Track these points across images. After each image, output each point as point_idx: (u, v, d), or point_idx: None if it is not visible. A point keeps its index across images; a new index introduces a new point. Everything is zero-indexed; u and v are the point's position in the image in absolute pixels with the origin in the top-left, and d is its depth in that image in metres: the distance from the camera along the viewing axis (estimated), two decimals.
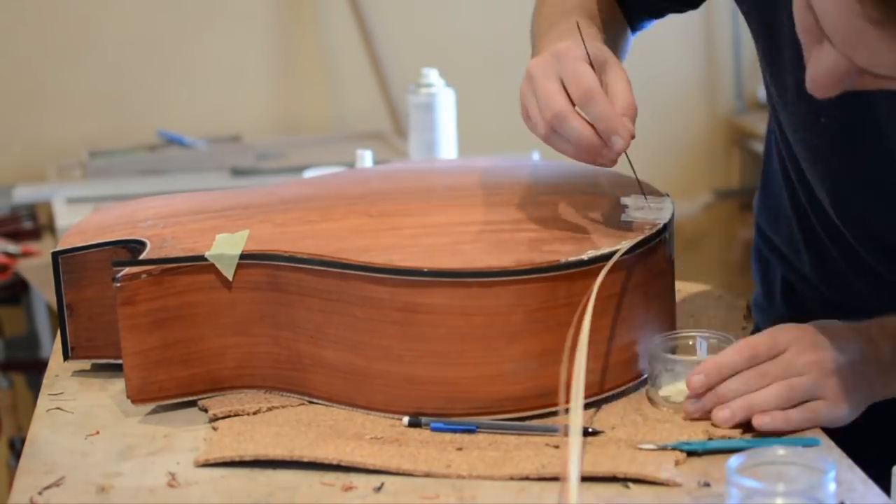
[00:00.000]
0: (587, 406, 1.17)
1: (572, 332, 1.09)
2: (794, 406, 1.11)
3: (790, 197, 1.37)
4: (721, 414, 1.11)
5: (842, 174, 1.25)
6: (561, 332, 1.14)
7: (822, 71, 1.00)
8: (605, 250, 1.15)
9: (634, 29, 1.46)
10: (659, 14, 1.46)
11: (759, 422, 1.10)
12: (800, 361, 1.12)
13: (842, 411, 1.12)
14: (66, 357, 1.29)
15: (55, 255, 1.27)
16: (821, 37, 0.99)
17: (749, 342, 1.13)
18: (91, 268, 1.27)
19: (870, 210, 1.25)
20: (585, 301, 1.12)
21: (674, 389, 1.17)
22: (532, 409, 1.15)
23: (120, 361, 1.20)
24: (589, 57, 1.17)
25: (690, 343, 1.20)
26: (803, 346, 1.13)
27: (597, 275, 1.14)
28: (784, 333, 1.14)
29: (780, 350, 1.13)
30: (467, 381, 1.14)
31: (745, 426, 1.12)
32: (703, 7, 1.43)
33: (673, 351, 1.18)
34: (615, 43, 1.38)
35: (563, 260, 1.14)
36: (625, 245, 1.16)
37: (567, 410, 1.03)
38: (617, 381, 1.19)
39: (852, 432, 1.15)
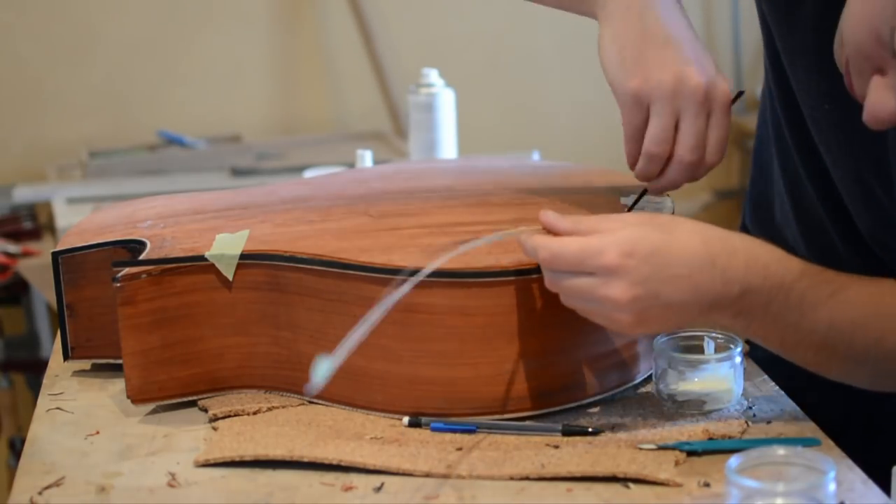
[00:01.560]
0: (587, 406, 1.17)
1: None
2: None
3: (782, 167, 1.32)
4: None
5: (839, 160, 1.21)
6: (561, 332, 1.14)
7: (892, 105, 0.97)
8: None
9: None
10: None
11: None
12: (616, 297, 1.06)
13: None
14: (66, 357, 1.29)
15: (55, 255, 1.27)
16: (887, 66, 0.96)
17: (585, 248, 1.06)
18: (91, 268, 1.27)
19: (857, 201, 1.20)
20: None
21: (679, 387, 1.17)
22: (532, 409, 1.15)
23: (120, 361, 1.20)
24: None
25: (695, 342, 1.20)
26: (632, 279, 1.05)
27: None
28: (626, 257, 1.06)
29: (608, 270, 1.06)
30: (467, 381, 1.14)
31: (746, 426, 1.12)
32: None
33: (678, 349, 1.18)
34: None
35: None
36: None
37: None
38: (617, 381, 1.19)
39: (853, 432, 1.15)
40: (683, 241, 1.07)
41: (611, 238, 1.07)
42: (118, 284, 1.17)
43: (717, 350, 1.19)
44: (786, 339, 1.08)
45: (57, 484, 1.08)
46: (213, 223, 1.28)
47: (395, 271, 1.13)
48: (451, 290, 1.12)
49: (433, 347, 1.13)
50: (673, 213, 1.27)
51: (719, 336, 1.19)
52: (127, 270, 1.18)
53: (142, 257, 1.21)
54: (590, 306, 1.08)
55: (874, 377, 1.11)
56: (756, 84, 3.25)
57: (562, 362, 1.15)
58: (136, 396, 1.19)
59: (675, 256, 1.06)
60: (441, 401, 1.14)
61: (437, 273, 1.12)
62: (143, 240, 1.25)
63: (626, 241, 1.06)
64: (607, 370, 1.18)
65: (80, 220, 1.37)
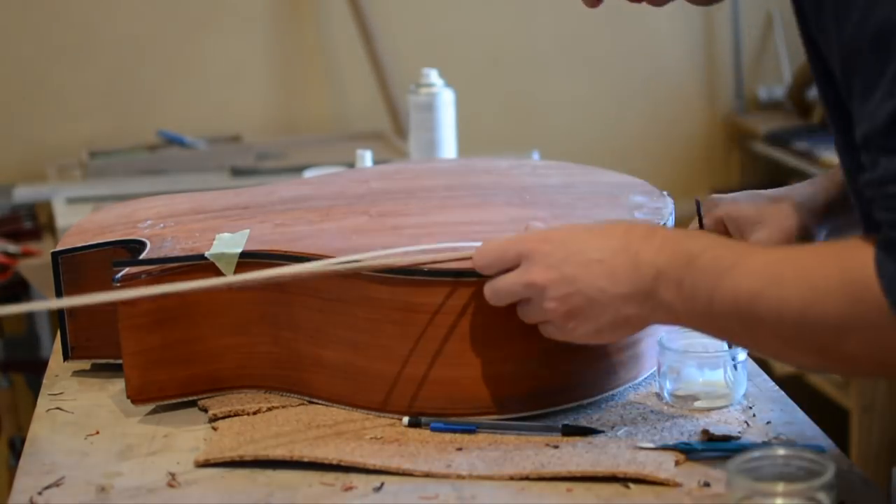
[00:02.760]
0: (587, 406, 1.17)
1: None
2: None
3: None
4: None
5: None
6: None
7: None
8: None
9: None
10: None
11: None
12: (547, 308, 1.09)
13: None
14: (66, 357, 1.29)
15: (55, 255, 1.27)
16: None
17: (505, 241, 1.11)
18: (91, 268, 1.27)
19: None
20: None
21: (680, 387, 1.17)
22: (532, 409, 1.15)
23: (120, 361, 1.20)
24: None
25: (696, 342, 1.20)
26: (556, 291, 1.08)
27: None
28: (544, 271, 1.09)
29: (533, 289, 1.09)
30: (467, 381, 1.14)
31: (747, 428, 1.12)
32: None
33: (679, 348, 1.18)
34: None
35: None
36: None
37: None
38: (618, 381, 1.19)
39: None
40: (604, 231, 1.09)
41: (530, 232, 1.12)
42: (118, 284, 1.17)
43: (718, 350, 1.19)
44: (713, 322, 1.04)
45: (57, 484, 1.08)
46: (213, 223, 1.28)
47: (395, 271, 1.13)
48: (452, 291, 1.12)
49: (433, 348, 1.13)
50: (672, 213, 1.27)
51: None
52: (127, 270, 1.18)
53: (142, 257, 1.21)
54: (524, 307, 1.11)
55: (805, 354, 1.02)
56: (756, 84, 3.25)
57: (562, 362, 1.15)
58: (136, 396, 1.19)
59: (591, 243, 1.08)
60: (441, 401, 1.14)
61: (438, 273, 1.12)
62: (143, 240, 1.25)
63: (543, 231, 1.11)
64: (608, 370, 1.18)
65: (79, 220, 1.37)
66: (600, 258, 1.07)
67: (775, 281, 0.99)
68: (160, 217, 1.32)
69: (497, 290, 1.11)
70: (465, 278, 1.12)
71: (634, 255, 1.06)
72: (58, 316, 1.29)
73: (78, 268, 1.27)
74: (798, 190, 1.29)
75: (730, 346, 1.18)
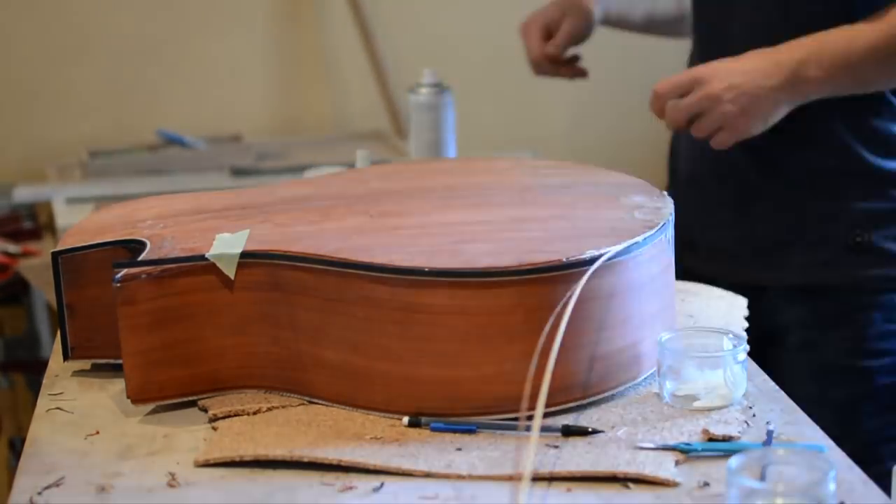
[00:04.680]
0: (587, 406, 1.17)
1: (546, 334, 1.10)
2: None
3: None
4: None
5: None
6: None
7: None
8: (605, 250, 1.15)
9: None
10: None
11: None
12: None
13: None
14: (66, 357, 1.29)
15: (55, 255, 1.27)
16: None
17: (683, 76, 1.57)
18: (91, 268, 1.26)
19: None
20: (565, 303, 1.12)
21: (680, 387, 1.17)
22: (532, 409, 1.15)
23: (120, 361, 1.19)
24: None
25: (696, 342, 1.20)
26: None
27: (597, 275, 1.14)
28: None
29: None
30: (467, 381, 1.14)
31: (748, 428, 1.12)
32: None
33: (680, 349, 1.18)
34: None
35: (563, 259, 1.14)
36: (620, 246, 1.16)
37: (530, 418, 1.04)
38: (617, 380, 1.19)
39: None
40: (741, 57, 1.56)
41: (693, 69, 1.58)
42: (118, 285, 1.17)
43: (718, 350, 1.19)
44: (851, 74, 1.55)
45: (57, 484, 1.08)
46: (213, 223, 1.28)
47: (396, 271, 1.13)
48: (452, 290, 1.12)
49: (434, 347, 1.13)
50: (673, 213, 1.27)
51: (728, 335, 1.19)
52: (127, 271, 1.18)
53: (142, 257, 1.21)
54: (705, 118, 1.52)
55: None
56: None
57: (562, 362, 1.15)
58: (136, 396, 1.19)
59: (737, 65, 1.54)
60: (441, 401, 1.14)
61: (438, 273, 1.12)
62: (143, 240, 1.25)
63: (701, 66, 1.56)
64: (608, 370, 1.18)
65: (80, 220, 1.37)
66: (752, 67, 1.53)
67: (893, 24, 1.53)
68: (160, 217, 1.32)
69: (682, 106, 1.53)
70: (466, 279, 1.12)
71: (773, 58, 1.53)
72: (58, 316, 1.28)
73: (78, 268, 1.27)
74: None
75: (733, 347, 1.18)
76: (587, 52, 1.93)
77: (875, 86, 1.60)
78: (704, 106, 1.52)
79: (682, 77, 1.54)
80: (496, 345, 1.13)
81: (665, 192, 1.31)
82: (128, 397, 1.19)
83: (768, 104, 1.52)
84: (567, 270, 1.13)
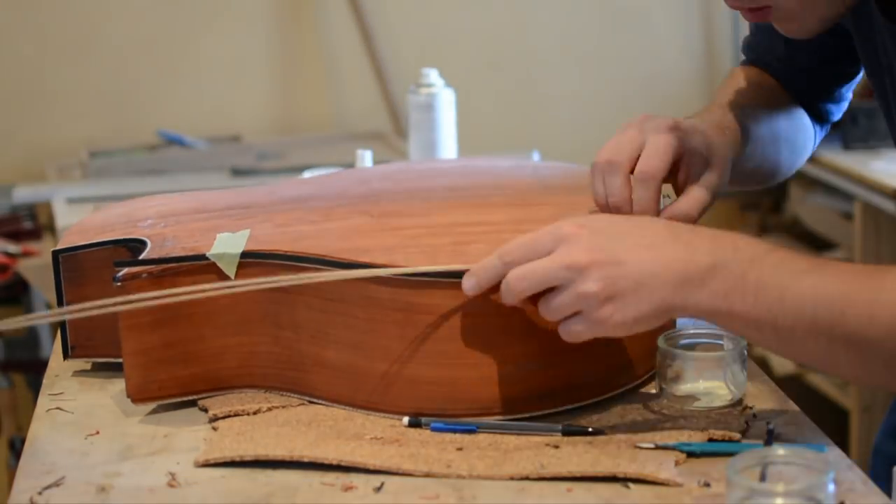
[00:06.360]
0: (589, 408, 1.17)
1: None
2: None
3: None
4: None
5: None
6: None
7: None
8: None
9: (823, 121, 1.45)
10: (832, 97, 1.42)
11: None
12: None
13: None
14: (66, 356, 1.29)
15: (55, 254, 1.27)
16: None
17: (539, 232, 1.05)
18: (91, 266, 1.26)
19: None
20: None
21: (680, 387, 1.17)
22: (532, 410, 1.15)
23: (120, 360, 1.19)
24: (684, 153, 1.16)
25: (696, 342, 1.20)
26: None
27: None
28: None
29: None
30: (468, 382, 1.14)
31: (747, 429, 1.12)
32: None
33: (680, 348, 1.18)
34: (783, 138, 1.37)
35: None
36: None
37: None
38: (619, 382, 1.19)
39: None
40: (643, 221, 1.07)
41: (564, 220, 1.07)
42: (119, 284, 1.17)
43: (718, 350, 1.19)
44: (777, 323, 1.00)
45: (57, 484, 1.08)
46: (215, 222, 1.28)
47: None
48: (452, 291, 1.12)
49: (434, 348, 1.13)
50: None
51: (727, 336, 1.19)
52: (128, 270, 1.18)
53: (142, 257, 1.21)
54: (553, 299, 1.04)
55: (889, 369, 1.00)
56: None
57: (563, 363, 1.15)
58: (136, 396, 1.19)
59: (634, 230, 1.04)
60: (441, 401, 1.14)
61: (438, 274, 1.12)
62: (144, 239, 1.25)
63: (580, 219, 1.06)
64: (609, 372, 1.18)
65: (80, 219, 1.37)
66: (648, 244, 1.03)
67: (868, 287, 0.96)
68: (161, 216, 1.32)
69: (527, 275, 1.03)
70: None
71: (687, 244, 1.02)
72: None
73: (78, 266, 1.27)
74: (729, 132, 1.26)
75: (734, 347, 1.18)
76: (589, 52, 1.93)
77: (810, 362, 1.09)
78: (563, 277, 1.04)
79: (539, 235, 1.06)
80: (496, 346, 1.13)
81: (666, 195, 1.31)
82: (128, 396, 1.19)
83: (654, 300, 1.03)
84: None
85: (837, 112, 1.44)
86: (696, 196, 1.16)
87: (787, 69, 1.40)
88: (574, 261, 1.02)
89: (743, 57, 1.48)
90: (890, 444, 1.43)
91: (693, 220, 1.14)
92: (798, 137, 1.41)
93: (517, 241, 1.07)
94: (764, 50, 1.42)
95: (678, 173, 1.18)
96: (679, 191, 1.17)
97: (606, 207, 1.15)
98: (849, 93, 1.44)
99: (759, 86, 1.38)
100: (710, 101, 1.37)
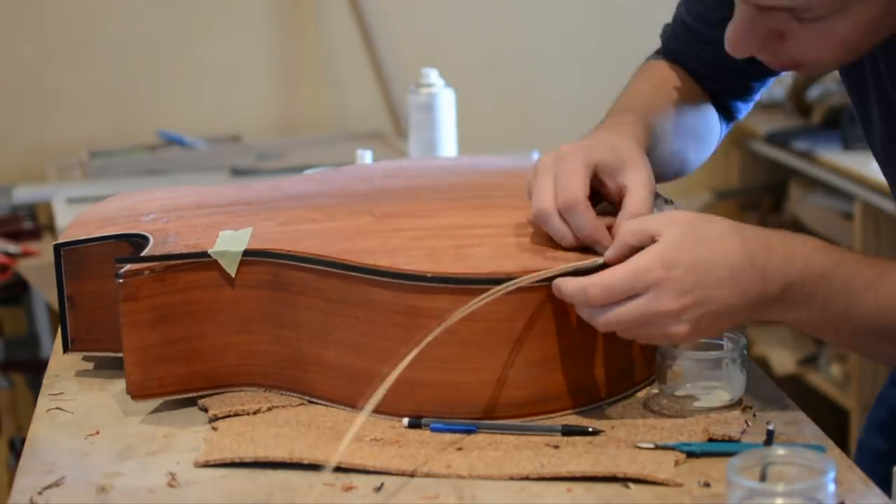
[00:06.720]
0: (589, 411, 1.17)
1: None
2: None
3: None
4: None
5: None
6: (562, 338, 1.14)
7: (736, 23, 1.06)
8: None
9: (730, 118, 1.45)
10: (744, 96, 1.43)
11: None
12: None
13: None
14: (65, 349, 1.28)
15: (57, 248, 1.27)
16: None
17: (636, 268, 1.08)
18: (93, 260, 1.26)
19: None
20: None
21: (680, 387, 1.17)
22: (533, 414, 1.15)
23: (120, 354, 1.19)
24: (595, 165, 1.18)
25: (699, 341, 1.20)
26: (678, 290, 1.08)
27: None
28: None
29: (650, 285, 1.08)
30: (468, 386, 1.14)
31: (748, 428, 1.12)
32: None
33: (679, 349, 1.18)
34: (690, 134, 1.39)
35: (568, 267, 1.13)
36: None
37: None
38: (619, 386, 1.19)
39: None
40: (721, 245, 1.10)
41: (650, 254, 1.09)
42: (121, 280, 1.17)
43: (718, 350, 1.19)
44: (839, 329, 1.12)
45: (57, 484, 1.08)
46: (217, 219, 1.28)
47: (399, 275, 1.13)
48: (454, 296, 1.11)
49: (435, 351, 1.12)
50: None
51: (727, 336, 1.20)
52: (129, 267, 1.18)
53: (145, 253, 1.21)
54: (645, 329, 1.10)
55: None
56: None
57: (563, 368, 1.15)
58: (136, 392, 1.19)
59: (716, 261, 1.09)
60: (441, 405, 1.14)
61: (441, 279, 1.12)
62: (146, 234, 1.25)
63: (666, 254, 1.09)
64: (609, 376, 1.18)
65: (81, 212, 1.37)
66: (729, 275, 1.08)
67: None
68: (163, 210, 1.32)
69: (620, 321, 1.09)
70: (469, 285, 1.11)
71: (761, 269, 1.09)
72: (59, 308, 1.28)
73: (80, 260, 1.26)
74: (628, 128, 1.28)
75: (734, 347, 1.18)
76: (589, 53, 1.93)
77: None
78: (656, 321, 1.09)
79: (635, 277, 1.08)
80: (497, 350, 1.13)
81: (669, 199, 1.31)
82: (128, 393, 1.19)
83: (731, 322, 1.12)
84: (570, 277, 1.13)
85: (745, 110, 1.46)
86: (636, 194, 1.18)
87: (707, 68, 1.40)
88: (668, 308, 1.08)
89: (660, 40, 1.44)
90: (875, 440, 1.44)
91: (649, 211, 1.18)
92: (705, 134, 1.43)
93: (603, 281, 1.09)
94: (687, 48, 1.40)
95: (602, 188, 1.20)
96: (617, 198, 1.20)
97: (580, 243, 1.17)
98: (759, 94, 1.45)
99: (671, 82, 1.40)
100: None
